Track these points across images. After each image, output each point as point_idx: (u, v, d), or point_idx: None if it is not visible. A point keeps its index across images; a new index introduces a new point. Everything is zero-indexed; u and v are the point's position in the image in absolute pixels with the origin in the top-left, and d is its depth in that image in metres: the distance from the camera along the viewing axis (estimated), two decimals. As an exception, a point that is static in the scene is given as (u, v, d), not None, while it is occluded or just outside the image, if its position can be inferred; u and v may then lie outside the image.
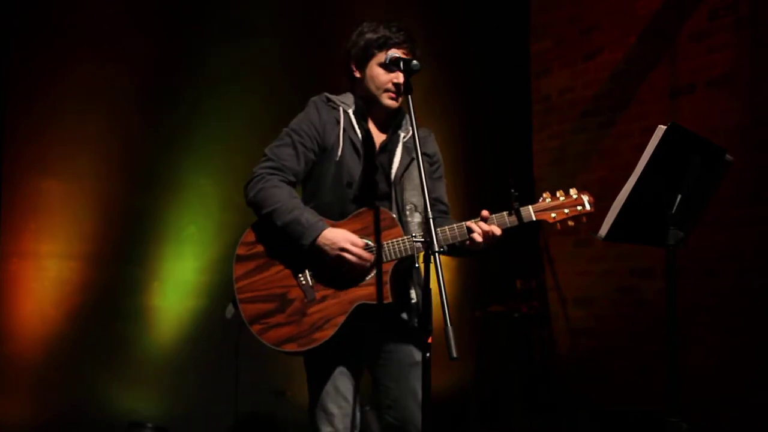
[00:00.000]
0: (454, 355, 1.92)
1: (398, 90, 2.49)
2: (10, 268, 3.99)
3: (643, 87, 4.98)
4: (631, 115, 5.05)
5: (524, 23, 5.88)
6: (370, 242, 2.42)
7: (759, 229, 4.30)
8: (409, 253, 2.40)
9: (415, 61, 2.32)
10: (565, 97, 5.57)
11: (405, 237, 2.41)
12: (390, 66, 2.44)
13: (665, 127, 2.30)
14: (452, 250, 2.49)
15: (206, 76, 4.48)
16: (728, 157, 2.48)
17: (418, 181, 2.50)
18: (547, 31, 5.74)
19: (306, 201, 2.56)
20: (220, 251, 4.44)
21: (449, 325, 1.96)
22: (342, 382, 2.49)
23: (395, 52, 2.47)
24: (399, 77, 2.48)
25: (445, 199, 2.71)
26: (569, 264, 5.48)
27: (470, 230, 2.39)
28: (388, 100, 2.53)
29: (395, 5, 4.81)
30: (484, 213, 2.41)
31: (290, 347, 2.40)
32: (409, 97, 2.30)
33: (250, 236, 2.50)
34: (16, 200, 4.00)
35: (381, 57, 2.49)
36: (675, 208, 2.36)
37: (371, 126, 2.59)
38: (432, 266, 2.07)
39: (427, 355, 2.10)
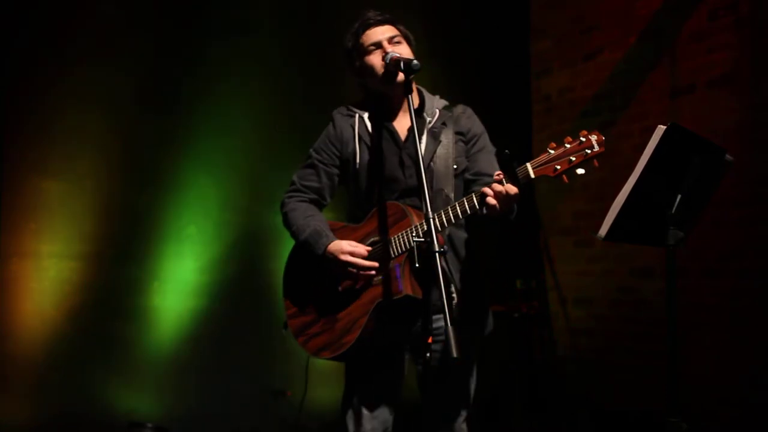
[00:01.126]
0: (454, 355, 1.92)
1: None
2: (10, 268, 3.99)
3: (643, 87, 4.98)
4: (631, 115, 5.04)
5: (524, 23, 5.88)
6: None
7: (759, 229, 4.30)
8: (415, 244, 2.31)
9: (415, 61, 2.32)
10: (565, 97, 5.56)
11: (412, 226, 2.34)
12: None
13: (665, 127, 2.30)
14: (479, 219, 2.35)
15: (206, 76, 4.48)
16: (728, 157, 2.47)
17: (448, 164, 2.50)
18: (547, 31, 5.73)
19: (348, 213, 2.65)
20: (220, 251, 4.45)
21: (449, 325, 1.96)
22: (376, 382, 2.50)
23: (377, 34, 2.49)
24: (387, 48, 2.47)
25: (491, 171, 2.46)
26: (569, 264, 5.48)
27: (484, 195, 2.22)
28: (382, 70, 2.48)
29: (395, 5, 4.80)
30: (496, 175, 2.23)
31: (326, 354, 2.48)
32: (410, 96, 2.31)
33: (291, 254, 2.64)
34: (16, 200, 4.01)
35: (362, 48, 2.52)
36: (675, 208, 2.36)
37: (393, 121, 2.57)
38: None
39: (428, 355, 2.10)
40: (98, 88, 4.19)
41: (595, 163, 2.19)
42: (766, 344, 4.20)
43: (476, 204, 2.25)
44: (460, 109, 2.64)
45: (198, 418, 4.18)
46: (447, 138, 2.52)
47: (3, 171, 3.96)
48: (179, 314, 4.34)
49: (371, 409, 2.48)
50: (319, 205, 2.64)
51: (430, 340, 2.11)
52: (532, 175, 2.20)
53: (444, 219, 2.31)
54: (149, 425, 3.91)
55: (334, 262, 2.43)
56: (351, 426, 2.50)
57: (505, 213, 2.26)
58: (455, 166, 2.50)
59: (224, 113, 4.51)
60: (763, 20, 4.32)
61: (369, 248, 2.42)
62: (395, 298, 2.35)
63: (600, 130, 5.71)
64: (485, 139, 2.61)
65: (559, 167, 2.19)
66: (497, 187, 2.20)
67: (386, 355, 2.51)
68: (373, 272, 2.40)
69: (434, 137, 2.51)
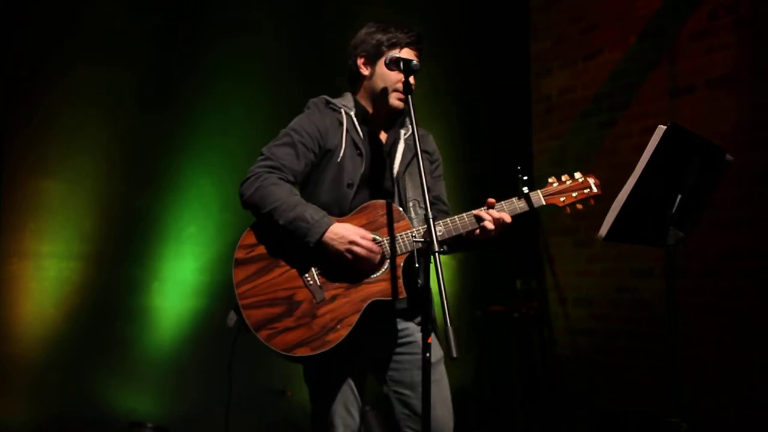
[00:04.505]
0: (455, 355, 1.92)
1: (407, 90, 2.37)
2: (10, 268, 3.98)
3: (643, 87, 4.98)
4: (631, 115, 5.05)
5: (524, 23, 5.88)
6: (378, 237, 2.38)
7: (759, 229, 4.30)
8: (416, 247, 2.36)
9: (415, 61, 2.33)
10: (565, 97, 5.57)
11: (412, 230, 2.38)
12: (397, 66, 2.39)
13: (665, 127, 2.30)
14: (457, 244, 2.42)
15: (206, 76, 4.48)
16: (728, 156, 2.48)
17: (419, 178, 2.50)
18: (547, 31, 5.74)
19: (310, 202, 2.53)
20: (220, 251, 4.44)
21: (449, 325, 1.96)
22: (345, 391, 2.44)
23: (407, 53, 2.49)
24: (410, 78, 2.46)
25: (445, 198, 2.69)
26: (569, 264, 5.48)
27: (480, 219, 2.36)
28: (395, 101, 2.51)
29: (395, 5, 4.81)
30: (491, 201, 2.39)
31: (302, 351, 2.30)
32: (409, 96, 2.32)
33: (248, 238, 2.40)
34: (16, 200, 4.00)
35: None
36: (675, 208, 2.36)
37: (373, 125, 2.57)
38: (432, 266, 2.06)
39: (428, 355, 2.10)
40: (98, 88, 4.19)
41: (592, 201, 2.48)
42: (767, 344, 4.20)
43: (468, 225, 2.38)
44: (423, 131, 2.66)
45: (198, 418, 4.17)
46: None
47: (3, 171, 3.95)
48: (179, 314, 4.34)
49: (343, 418, 2.42)
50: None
51: (429, 340, 2.10)
52: (543, 202, 2.45)
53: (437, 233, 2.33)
54: (149, 425, 3.91)
55: (337, 243, 2.29)
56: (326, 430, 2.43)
57: (490, 239, 2.39)
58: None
59: (224, 113, 4.51)
60: (762, 20, 4.33)
61: (373, 237, 2.35)
62: (399, 298, 2.33)
63: (600, 130, 5.73)
64: (442, 168, 2.72)
65: (564, 199, 2.46)
66: (494, 213, 2.36)
67: (352, 359, 2.43)
68: (376, 260, 2.32)
69: (409, 149, 2.55)
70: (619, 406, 4.91)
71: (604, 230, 2.37)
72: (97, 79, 4.18)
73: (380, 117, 2.58)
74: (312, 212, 2.31)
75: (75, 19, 4.16)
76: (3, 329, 3.95)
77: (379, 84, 2.51)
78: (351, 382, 2.45)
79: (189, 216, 4.42)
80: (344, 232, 2.30)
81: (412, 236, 2.37)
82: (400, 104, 2.52)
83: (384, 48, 2.50)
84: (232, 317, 2.38)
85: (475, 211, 2.37)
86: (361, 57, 2.56)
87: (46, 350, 4.00)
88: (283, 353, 2.31)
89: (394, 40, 2.50)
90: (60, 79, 4.10)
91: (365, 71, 2.56)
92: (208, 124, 4.47)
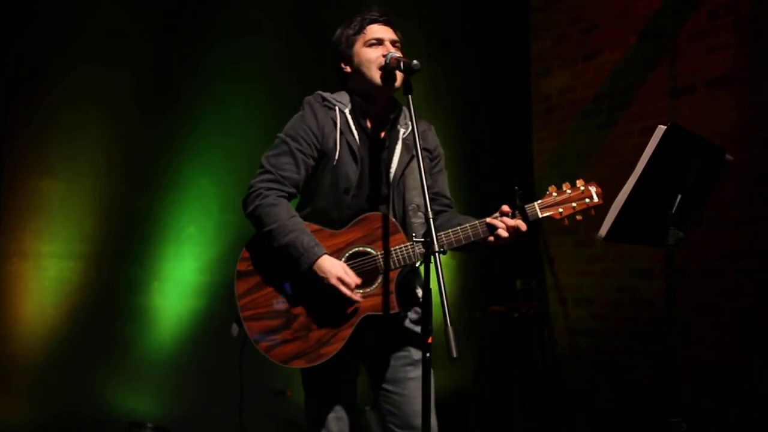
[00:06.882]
0: (454, 355, 1.92)
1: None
2: (10, 268, 3.98)
3: (643, 87, 4.98)
4: (631, 115, 5.05)
5: (524, 23, 5.88)
6: (372, 251, 2.38)
7: (759, 229, 4.30)
8: (413, 260, 2.35)
9: (415, 61, 2.28)
10: (565, 97, 5.57)
11: (407, 243, 2.35)
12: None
13: (665, 127, 2.30)
14: (469, 247, 2.39)
15: (206, 76, 4.48)
16: (728, 156, 2.48)
17: (417, 177, 2.43)
18: (547, 31, 5.74)
19: (302, 205, 2.51)
20: (220, 251, 4.44)
21: (449, 325, 1.96)
22: (339, 391, 2.48)
23: (377, 31, 2.46)
24: (389, 48, 2.43)
25: (447, 193, 2.62)
26: (569, 264, 5.48)
27: (493, 227, 2.31)
28: (377, 76, 2.43)
29: (396, 5, 4.81)
30: (505, 208, 2.33)
31: (298, 364, 2.36)
32: (410, 97, 2.29)
33: (249, 251, 2.43)
34: (16, 200, 4.00)
35: (363, 38, 2.47)
36: (675, 208, 2.36)
37: (369, 123, 2.51)
38: (432, 266, 2.05)
39: (428, 355, 2.10)
40: (98, 88, 4.19)
41: (593, 212, 2.40)
42: (766, 344, 4.20)
43: (480, 233, 2.33)
44: (425, 125, 2.62)
45: (198, 418, 4.17)
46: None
47: (3, 171, 3.95)
48: (179, 314, 4.34)
49: (336, 413, 2.46)
50: (292, 199, 2.44)
51: (429, 340, 2.10)
52: (540, 215, 2.37)
53: (445, 242, 2.34)
54: (149, 425, 3.91)
55: (321, 277, 2.30)
56: (320, 430, 2.47)
57: (505, 245, 2.34)
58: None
59: (224, 113, 4.51)
60: (763, 20, 4.33)
61: (359, 280, 2.33)
62: (391, 313, 2.34)
63: (600, 129, 5.73)
64: (444, 161, 2.65)
65: (562, 211, 2.38)
66: (509, 221, 2.30)
67: (345, 363, 2.44)
68: (356, 303, 2.34)
69: (407, 149, 2.49)
70: (619, 406, 4.91)
71: (604, 230, 2.37)
72: (97, 79, 4.18)
73: (376, 112, 2.51)
74: (304, 240, 2.31)
75: (75, 19, 4.16)
76: (3, 329, 3.94)
77: (363, 70, 2.45)
78: (344, 377, 2.48)
79: (189, 216, 4.42)
80: (329, 272, 2.29)
81: (406, 252, 2.35)
82: (380, 77, 2.42)
83: (354, 36, 2.49)
84: (235, 328, 2.43)
85: (488, 219, 2.33)
86: (339, 60, 2.54)
87: (46, 350, 3.99)
88: (281, 365, 2.38)
89: (357, 27, 2.49)
90: (60, 79, 4.10)
91: (347, 69, 2.52)
92: (208, 124, 4.46)
